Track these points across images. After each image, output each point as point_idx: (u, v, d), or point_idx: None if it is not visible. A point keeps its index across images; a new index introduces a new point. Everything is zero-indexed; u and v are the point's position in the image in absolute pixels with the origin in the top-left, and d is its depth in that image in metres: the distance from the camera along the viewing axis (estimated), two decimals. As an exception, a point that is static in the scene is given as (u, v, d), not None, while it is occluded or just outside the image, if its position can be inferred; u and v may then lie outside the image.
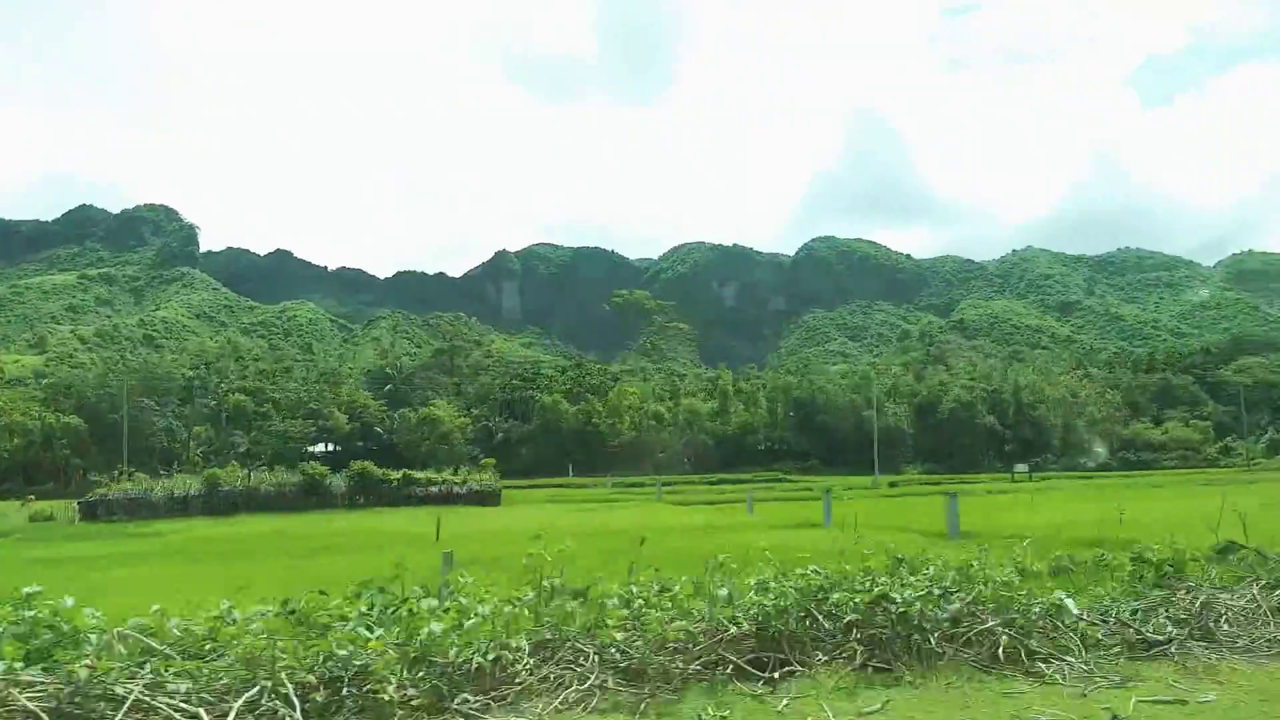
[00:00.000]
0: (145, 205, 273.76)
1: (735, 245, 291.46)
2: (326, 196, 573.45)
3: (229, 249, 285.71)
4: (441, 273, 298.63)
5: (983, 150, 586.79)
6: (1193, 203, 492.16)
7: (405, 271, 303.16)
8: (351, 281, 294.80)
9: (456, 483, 47.24)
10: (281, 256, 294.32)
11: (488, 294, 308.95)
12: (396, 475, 46.10)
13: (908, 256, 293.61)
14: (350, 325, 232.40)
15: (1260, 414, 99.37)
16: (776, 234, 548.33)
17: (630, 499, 50.52)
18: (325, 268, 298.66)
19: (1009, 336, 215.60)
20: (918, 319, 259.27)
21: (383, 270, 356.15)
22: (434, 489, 45.66)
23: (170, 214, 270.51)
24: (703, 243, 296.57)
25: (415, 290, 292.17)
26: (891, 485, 60.41)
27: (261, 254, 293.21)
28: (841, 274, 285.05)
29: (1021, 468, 64.08)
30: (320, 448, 79.29)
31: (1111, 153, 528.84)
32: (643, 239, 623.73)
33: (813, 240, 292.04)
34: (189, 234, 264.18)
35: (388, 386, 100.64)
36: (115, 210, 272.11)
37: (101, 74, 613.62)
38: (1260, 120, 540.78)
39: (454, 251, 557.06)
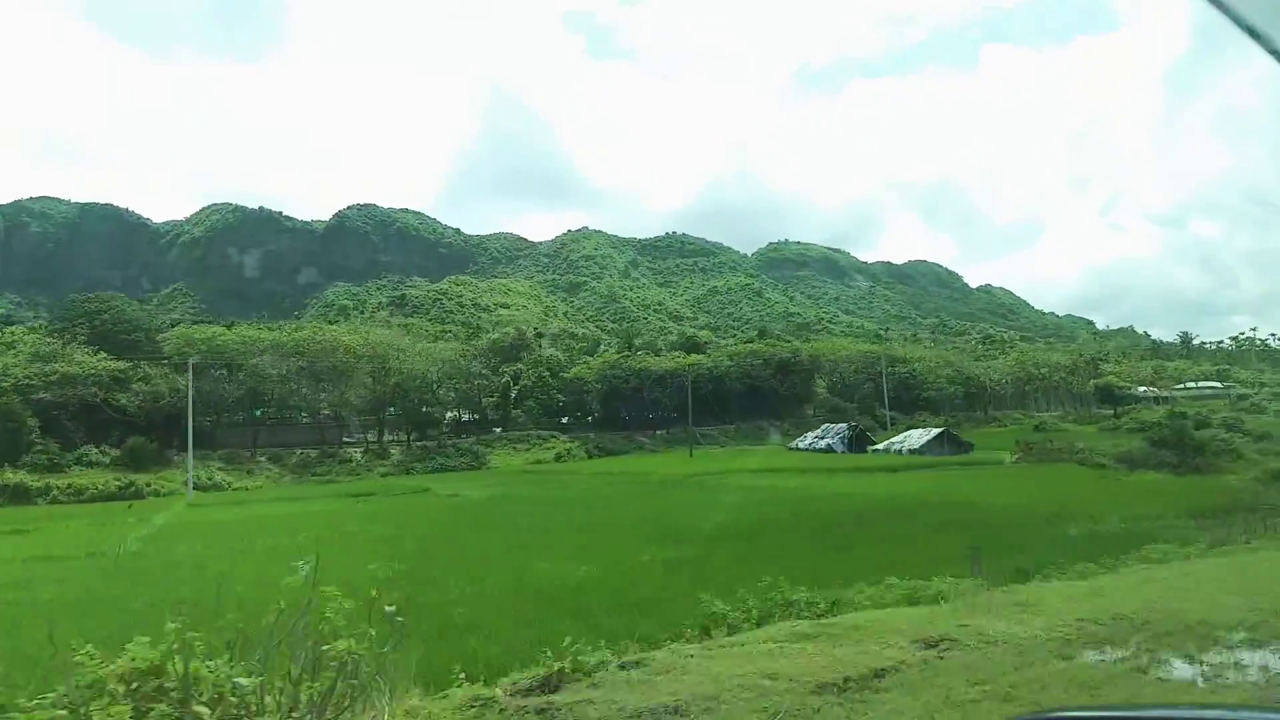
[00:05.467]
0: None
1: (262, 209, 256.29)
2: None
3: None
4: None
5: (638, 139, 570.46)
6: (815, 201, 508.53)
7: None
8: None
9: None
10: None
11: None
12: None
13: (458, 231, 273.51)
14: None
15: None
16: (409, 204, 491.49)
17: None
18: None
19: (449, 315, 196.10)
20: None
21: None
22: None
23: None
24: (229, 204, 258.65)
25: None
26: None
27: None
28: (377, 245, 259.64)
29: None
30: None
31: (751, 151, 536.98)
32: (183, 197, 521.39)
33: (348, 208, 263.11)
34: None
35: None
36: None
37: None
38: (871, 134, 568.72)
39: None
